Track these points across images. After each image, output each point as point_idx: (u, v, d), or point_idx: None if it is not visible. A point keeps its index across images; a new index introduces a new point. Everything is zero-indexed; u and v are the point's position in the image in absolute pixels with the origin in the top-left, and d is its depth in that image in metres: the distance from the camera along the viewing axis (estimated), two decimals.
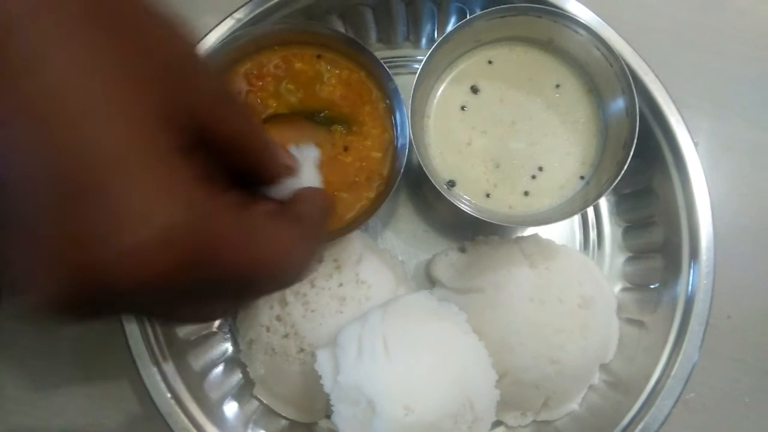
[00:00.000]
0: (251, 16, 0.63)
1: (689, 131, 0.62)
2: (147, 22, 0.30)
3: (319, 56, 0.61)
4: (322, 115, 0.60)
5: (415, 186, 0.71)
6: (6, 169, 0.26)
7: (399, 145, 0.60)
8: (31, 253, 0.27)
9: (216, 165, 0.36)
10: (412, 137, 0.57)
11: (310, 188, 0.43)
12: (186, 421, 0.58)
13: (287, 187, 0.41)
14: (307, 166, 0.44)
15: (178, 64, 0.31)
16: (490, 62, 0.64)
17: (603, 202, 0.71)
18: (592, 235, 0.71)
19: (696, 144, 0.62)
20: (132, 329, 0.58)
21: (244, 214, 0.33)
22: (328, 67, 0.61)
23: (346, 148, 0.60)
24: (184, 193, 0.28)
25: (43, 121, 0.25)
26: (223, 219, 0.30)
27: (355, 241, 0.63)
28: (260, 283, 0.35)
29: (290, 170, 0.41)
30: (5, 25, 0.25)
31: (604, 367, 0.65)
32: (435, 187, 0.57)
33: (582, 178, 0.62)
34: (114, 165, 0.26)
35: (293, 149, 0.46)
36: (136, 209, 0.26)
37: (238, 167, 0.37)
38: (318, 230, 0.42)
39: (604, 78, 0.60)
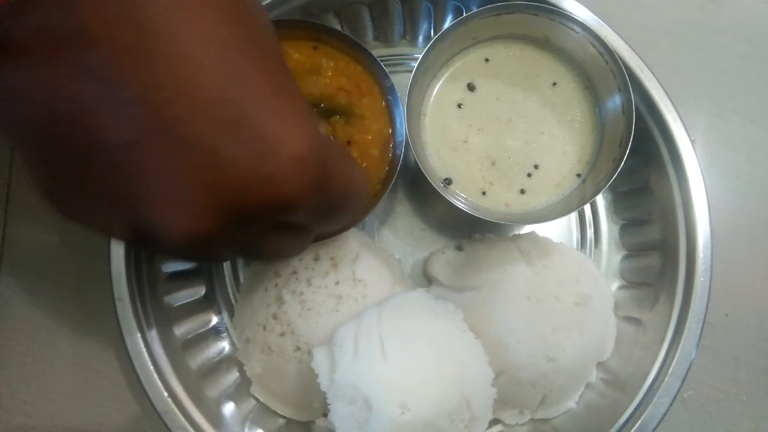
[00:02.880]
0: None
1: (686, 129, 0.62)
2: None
3: (315, 48, 0.61)
4: (321, 107, 0.60)
5: (411, 184, 0.71)
6: (167, 109, 0.29)
7: (396, 143, 0.60)
8: (189, 183, 0.30)
9: None
10: (408, 135, 0.57)
11: None
12: (183, 420, 0.57)
13: None
14: None
15: (268, 23, 0.37)
16: (486, 60, 0.64)
17: (600, 200, 0.71)
18: (589, 232, 0.71)
19: (693, 141, 0.62)
20: (129, 328, 0.58)
21: (339, 145, 0.42)
22: (325, 59, 0.61)
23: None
24: (311, 123, 0.33)
25: (200, 66, 0.29)
26: (333, 145, 0.37)
27: (352, 240, 0.62)
28: (349, 204, 0.42)
29: None
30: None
31: (601, 365, 0.65)
32: (431, 185, 0.57)
33: (578, 175, 0.62)
34: (264, 100, 0.31)
35: None
36: (284, 137, 0.31)
37: None
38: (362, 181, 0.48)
39: (600, 76, 0.60)
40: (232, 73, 0.30)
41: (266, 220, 0.34)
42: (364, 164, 0.60)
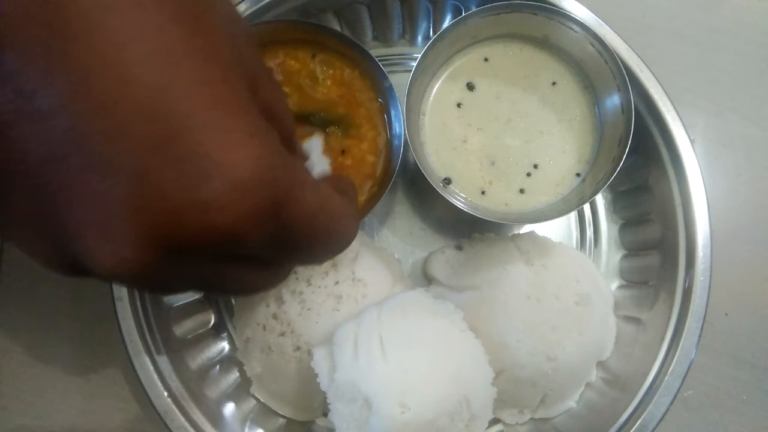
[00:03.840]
0: (246, 14, 0.63)
1: (685, 128, 0.62)
2: None
3: (314, 56, 0.61)
4: (317, 117, 0.60)
5: (411, 184, 0.71)
6: (86, 122, 0.26)
7: (394, 145, 0.60)
8: (113, 207, 0.27)
9: None
10: (407, 135, 0.57)
11: (333, 174, 0.47)
12: (183, 420, 0.57)
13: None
14: (315, 155, 0.48)
15: (240, 31, 0.33)
16: (485, 59, 0.64)
17: (599, 200, 0.71)
18: (589, 232, 0.71)
19: (692, 141, 0.62)
20: (128, 328, 0.58)
21: (310, 175, 0.34)
22: (324, 68, 0.61)
23: (343, 152, 0.59)
24: (264, 142, 0.29)
25: (124, 73, 0.25)
26: (295, 171, 0.31)
27: None
28: (321, 241, 0.36)
29: (306, 155, 0.45)
30: None
31: (601, 365, 0.65)
32: (431, 184, 0.57)
33: (578, 175, 0.62)
34: (199, 114, 0.27)
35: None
36: (221, 157, 0.27)
37: None
38: (356, 203, 0.44)
39: (599, 75, 0.60)
40: (164, 83, 0.26)
41: (209, 253, 0.30)
42: (359, 170, 0.60)
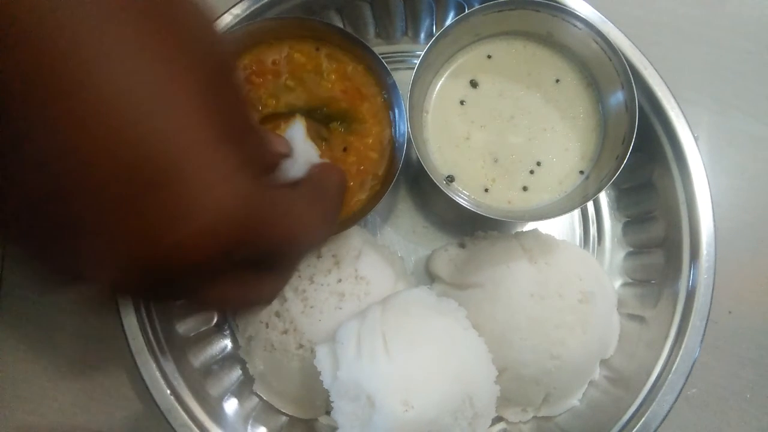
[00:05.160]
0: (249, 11, 0.63)
1: (689, 126, 0.62)
2: (187, 11, 0.32)
3: (317, 49, 0.61)
4: (320, 112, 0.60)
5: (414, 181, 0.71)
6: (70, 166, 0.27)
7: (397, 142, 0.59)
8: (101, 246, 0.29)
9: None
10: (410, 132, 0.57)
11: (320, 167, 0.47)
12: (186, 417, 0.57)
13: (289, 167, 0.45)
14: (297, 142, 0.47)
15: (215, 54, 0.33)
16: (489, 57, 0.63)
17: (603, 197, 0.71)
18: (592, 230, 0.70)
19: (696, 138, 0.62)
20: (131, 326, 0.58)
21: (277, 196, 0.36)
22: (327, 61, 0.61)
23: (345, 149, 0.59)
24: (234, 180, 0.31)
25: (110, 129, 0.27)
26: (264, 202, 0.33)
27: (354, 237, 0.62)
28: (292, 253, 0.41)
29: (285, 155, 0.46)
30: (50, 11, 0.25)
31: (604, 363, 0.64)
32: (434, 182, 0.56)
33: (581, 172, 0.62)
34: (176, 159, 0.28)
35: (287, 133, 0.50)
36: (196, 199, 0.29)
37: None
38: (335, 204, 0.46)
39: (603, 72, 0.60)
40: (148, 134, 0.27)
41: (189, 279, 0.32)
42: (362, 167, 0.60)
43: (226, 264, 0.32)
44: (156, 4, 0.29)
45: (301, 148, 0.47)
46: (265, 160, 0.43)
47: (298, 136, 0.49)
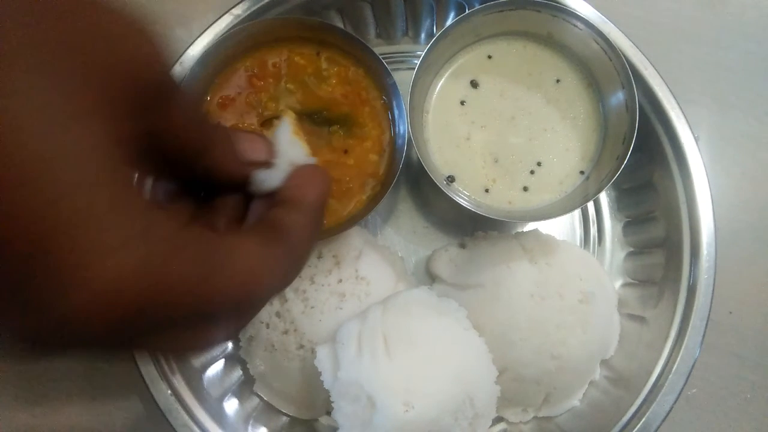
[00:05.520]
0: (249, 12, 0.63)
1: (690, 126, 0.62)
2: (105, 36, 0.28)
3: (318, 53, 0.61)
4: (320, 115, 0.60)
5: (414, 182, 0.71)
6: None
7: (397, 144, 0.59)
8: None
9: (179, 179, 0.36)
10: (411, 133, 0.57)
11: (298, 178, 0.41)
12: (186, 417, 0.58)
13: (265, 177, 0.40)
14: (281, 141, 0.42)
15: (139, 81, 0.30)
16: (489, 57, 0.63)
17: (603, 198, 0.71)
18: (593, 230, 0.70)
19: (697, 139, 0.62)
20: None
21: (204, 240, 0.31)
22: (327, 65, 0.61)
23: (346, 151, 0.59)
24: (132, 245, 0.27)
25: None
26: (179, 256, 0.29)
27: (355, 237, 0.62)
28: (228, 315, 0.34)
29: (260, 164, 0.40)
30: None
31: (605, 363, 0.64)
32: (434, 182, 0.57)
33: (582, 173, 0.62)
34: (62, 225, 0.25)
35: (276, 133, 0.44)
36: (85, 269, 0.26)
37: (202, 174, 0.37)
38: (307, 232, 0.39)
39: (603, 73, 0.60)
40: (21, 174, 0.24)
41: (95, 343, 0.30)
42: (362, 169, 0.59)
43: (143, 325, 0.29)
44: (55, 24, 0.26)
45: (285, 149, 0.42)
46: (226, 175, 0.38)
47: (283, 135, 0.43)
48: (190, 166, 0.37)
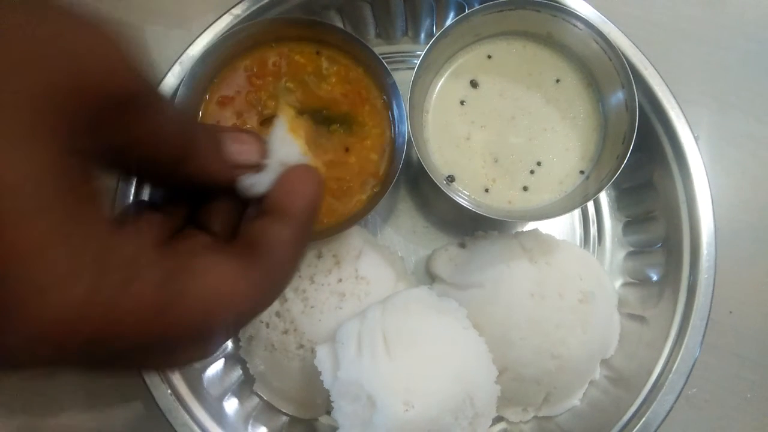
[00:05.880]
0: (249, 11, 0.63)
1: (690, 125, 0.62)
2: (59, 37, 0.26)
3: (318, 52, 0.61)
4: (320, 114, 0.60)
5: (414, 181, 0.71)
6: None
7: (397, 143, 0.59)
8: None
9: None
10: (411, 133, 0.57)
11: (287, 183, 0.37)
12: (186, 417, 0.58)
13: (254, 180, 0.37)
14: (275, 140, 0.39)
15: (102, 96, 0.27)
16: (489, 57, 0.63)
17: (603, 197, 0.71)
18: (593, 230, 0.70)
19: (696, 138, 0.62)
20: None
21: (165, 264, 0.29)
22: (328, 64, 0.61)
23: (347, 150, 0.59)
24: (86, 268, 0.26)
25: None
26: (133, 284, 0.27)
27: (355, 237, 0.62)
28: (192, 343, 0.32)
29: (249, 166, 0.37)
30: None
31: (605, 363, 0.64)
32: (434, 182, 0.57)
33: (582, 172, 0.62)
34: (8, 254, 0.24)
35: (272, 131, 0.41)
36: (30, 299, 0.25)
37: (182, 179, 0.34)
38: (289, 254, 0.35)
39: (603, 72, 0.60)
40: None
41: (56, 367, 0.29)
42: (362, 168, 0.59)
43: (100, 354, 0.28)
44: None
45: (278, 147, 0.39)
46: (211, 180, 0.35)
47: (278, 133, 0.40)
48: (170, 174, 0.34)
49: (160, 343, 0.30)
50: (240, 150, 0.37)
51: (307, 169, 0.39)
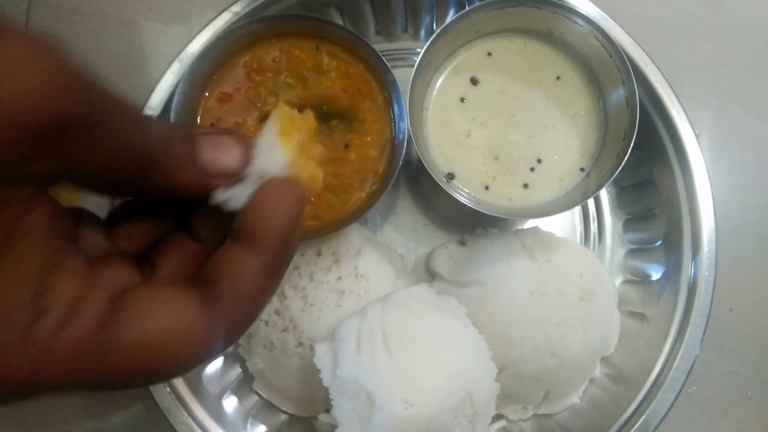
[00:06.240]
0: (248, 9, 0.63)
1: (691, 123, 0.62)
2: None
3: (318, 47, 0.61)
4: (320, 110, 0.60)
5: (414, 179, 0.70)
6: None
7: (397, 140, 0.59)
8: None
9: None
10: (410, 130, 0.57)
11: (256, 212, 0.31)
12: (186, 416, 0.57)
13: (231, 194, 0.32)
14: (260, 147, 0.33)
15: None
16: (489, 54, 0.63)
17: (603, 195, 0.71)
18: (593, 227, 0.70)
19: (697, 136, 0.62)
20: None
21: (108, 301, 0.27)
22: (328, 59, 0.61)
23: (347, 146, 0.59)
24: (20, 311, 0.25)
25: None
26: (69, 327, 0.26)
27: (354, 235, 0.62)
28: (142, 382, 0.29)
29: (229, 176, 0.32)
30: None
31: (605, 360, 0.64)
32: (434, 179, 0.56)
33: (582, 170, 0.62)
34: None
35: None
36: None
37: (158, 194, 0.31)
38: (257, 288, 0.31)
39: (604, 69, 0.60)
40: None
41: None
42: (362, 165, 0.59)
43: (44, 391, 0.27)
44: None
45: (262, 153, 0.33)
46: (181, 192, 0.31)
47: (265, 137, 0.34)
48: (135, 189, 0.31)
49: (107, 382, 0.28)
50: (215, 159, 0.32)
51: (285, 185, 0.33)
